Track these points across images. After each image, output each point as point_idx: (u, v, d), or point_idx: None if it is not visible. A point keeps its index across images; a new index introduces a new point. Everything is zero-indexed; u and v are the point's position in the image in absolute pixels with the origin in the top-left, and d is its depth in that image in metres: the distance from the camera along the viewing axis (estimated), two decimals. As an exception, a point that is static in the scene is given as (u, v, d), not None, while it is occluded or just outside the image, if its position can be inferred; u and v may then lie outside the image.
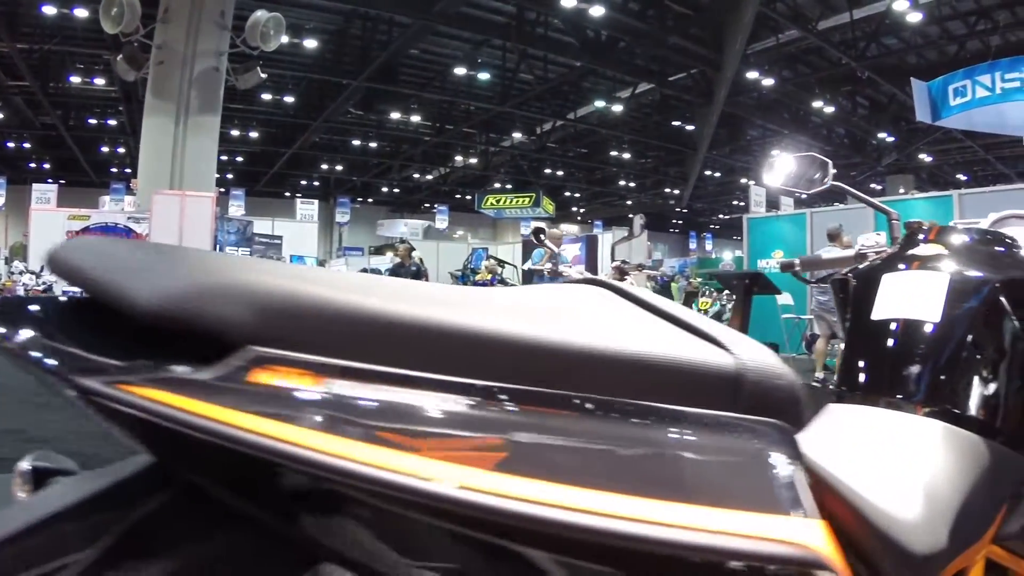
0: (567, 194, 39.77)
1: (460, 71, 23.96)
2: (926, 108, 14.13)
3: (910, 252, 1.68)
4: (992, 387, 1.48)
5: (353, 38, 21.51)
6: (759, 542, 0.59)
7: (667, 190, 37.79)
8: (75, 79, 22.82)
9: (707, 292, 17.86)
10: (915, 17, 18.31)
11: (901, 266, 1.65)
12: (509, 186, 35.24)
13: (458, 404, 0.55)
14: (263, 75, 13.50)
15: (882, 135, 27.06)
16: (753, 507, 0.61)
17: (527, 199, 29.47)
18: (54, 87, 22.87)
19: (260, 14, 12.40)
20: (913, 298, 1.56)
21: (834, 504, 0.77)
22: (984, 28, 18.97)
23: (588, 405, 0.60)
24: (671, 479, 0.60)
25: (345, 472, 0.49)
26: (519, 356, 0.59)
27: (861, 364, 1.64)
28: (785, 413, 0.71)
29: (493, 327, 0.58)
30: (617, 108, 26.17)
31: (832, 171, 2.02)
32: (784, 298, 11.46)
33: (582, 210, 42.66)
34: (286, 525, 0.58)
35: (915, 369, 1.51)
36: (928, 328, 1.52)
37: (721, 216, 44.17)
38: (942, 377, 1.49)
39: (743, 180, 14.65)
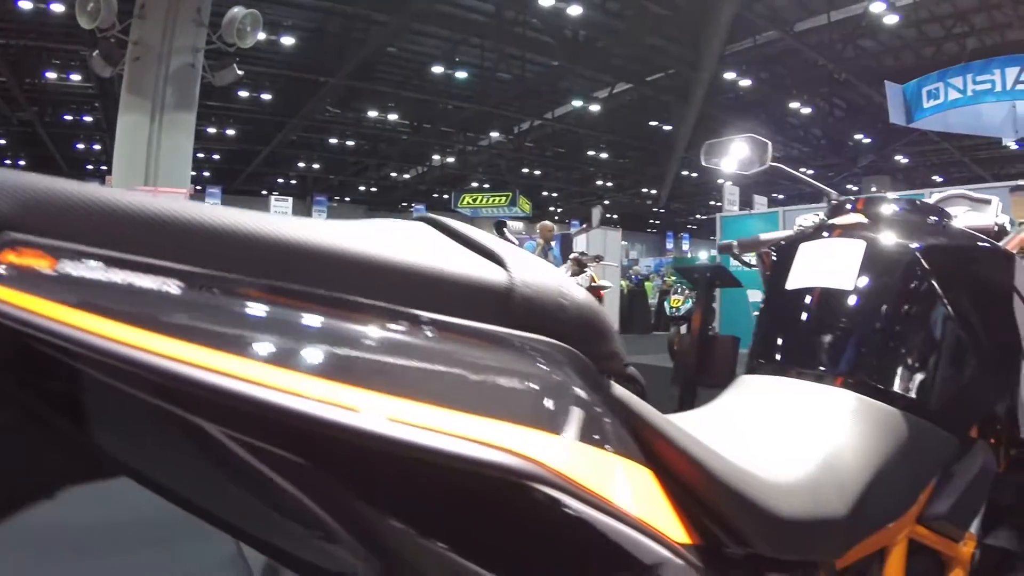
0: (544, 193, 39.78)
1: (438, 70, 23.89)
2: (900, 110, 14.25)
3: (832, 222, 1.61)
4: (918, 361, 1.40)
5: (331, 36, 21.41)
6: (469, 444, 0.55)
7: (644, 190, 37.88)
8: (51, 75, 22.61)
9: (679, 290, 17.94)
10: (892, 19, 18.43)
11: (821, 235, 1.56)
12: (487, 185, 35.21)
13: (217, 297, 0.52)
14: (240, 72, 13.39)
15: (859, 136, 27.23)
16: (485, 413, 0.57)
17: (503, 198, 29.40)
18: (30, 83, 22.69)
19: (237, 11, 12.30)
20: (828, 266, 1.47)
21: (664, 450, 0.74)
22: (961, 31, 19.11)
23: (352, 308, 0.57)
24: (408, 378, 0.56)
25: (82, 343, 0.48)
26: (279, 252, 0.56)
27: (775, 335, 1.55)
28: (571, 337, 0.67)
29: (264, 226, 0.56)
30: (595, 108, 26.20)
31: (771, 152, 1.98)
32: (754, 295, 11.48)
33: (559, 210, 42.69)
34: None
35: (831, 340, 1.43)
36: (843, 297, 1.44)
37: (698, 216, 44.25)
38: (860, 349, 1.40)
39: (719, 181, 14.71)
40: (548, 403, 0.63)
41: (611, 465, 0.67)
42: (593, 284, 8.46)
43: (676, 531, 0.73)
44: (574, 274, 7.71)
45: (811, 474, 1.02)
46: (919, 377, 1.38)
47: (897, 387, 1.36)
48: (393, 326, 0.57)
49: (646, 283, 24.60)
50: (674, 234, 45.42)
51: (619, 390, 0.73)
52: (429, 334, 0.59)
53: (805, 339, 1.47)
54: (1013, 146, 18.83)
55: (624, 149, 32.57)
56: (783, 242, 1.65)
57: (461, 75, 24.32)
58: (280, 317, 0.54)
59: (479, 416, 0.56)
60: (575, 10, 18.70)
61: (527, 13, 19.81)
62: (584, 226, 8.61)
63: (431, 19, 19.55)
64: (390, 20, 19.42)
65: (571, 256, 8.18)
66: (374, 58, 22.29)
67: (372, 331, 0.56)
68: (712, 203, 36.51)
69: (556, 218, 42.47)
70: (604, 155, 32.92)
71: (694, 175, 34.04)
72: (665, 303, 20.81)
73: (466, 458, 0.54)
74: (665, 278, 23.68)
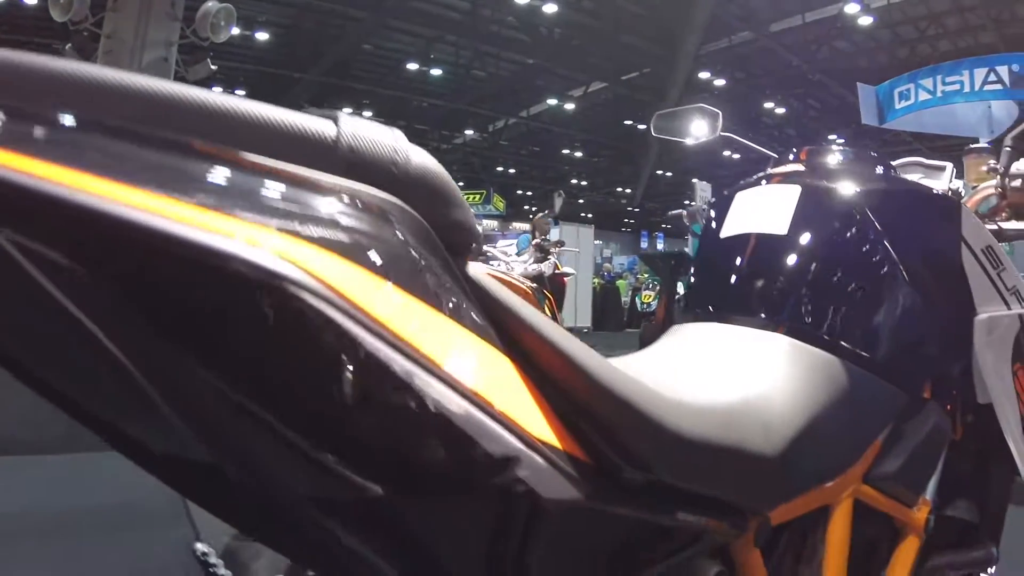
0: (519, 192, 39.76)
1: (413, 66, 23.83)
2: (872, 112, 14.32)
3: (771, 171, 1.52)
4: (860, 310, 1.31)
5: (306, 32, 21.32)
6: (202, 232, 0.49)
7: (619, 189, 37.92)
8: (21, 68, 22.36)
9: (651, 286, 18.01)
10: (866, 21, 18.54)
11: (759, 184, 1.48)
12: (461, 183, 35.10)
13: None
14: (213, 67, 13.29)
15: (833, 136, 27.35)
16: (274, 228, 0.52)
17: (478, 196, 29.33)
18: (0, 76, 22.45)
19: (210, 5, 12.21)
20: (762, 212, 1.40)
21: (533, 343, 0.69)
22: (934, 33, 19.25)
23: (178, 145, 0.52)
24: (180, 180, 0.51)
25: None
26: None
27: (708, 284, 1.49)
28: (408, 198, 0.62)
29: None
30: (570, 106, 26.24)
31: (721, 123, 1.96)
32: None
33: (534, 208, 42.67)
34: None
35: (764, 286, 1.35)
36: (777, 242, 1.36)
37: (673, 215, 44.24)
38: (797, 295, 1.31)
39: (693, 180, 14.72)
40: (361, 239, 0.57)
41: (447, 332, 0.61)
42: (557, 271, 8.42)
43: (544, 431, 0.68)
44: (537, 260, 7.64)
45: (730, 404, 0.95)
46: (862, 327, 1.29)
47: (838, 336, 1.27)
48: (193, 152, 0.53)
49: (619, 281, 24.66)
50: (648, 233, 45.39)
51: (476, 271, 0.68)
52: (233, 164, 0.54)
53: (739, 287, 1.39)
54: (984, 145, 18.96)
55: (599, 148, 32.62)
56: (724, 192, 1.56)
57: (436, 72, 24.27)
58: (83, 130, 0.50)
59: (269, 230, 0.52)
60: (550, 8, 18.70)
61: (503, 11, 19.80)
62: (546, 212, 8.53)
63: (407, 16, 19.50)
64: (365, 16, 19.37)
65: (533, 242, 8.13)
66: (349, 54, 22.22)
67: (172, 154, 0.52)
68: (687, 202, 36.58)
69: (530, 216, 42.53)
70: (579, 154, 32.94)
71: (668, 174, 34.12)
72: (637, 298, 20.91)
73: (223, 254, 0.49)
74: (638, 275, 23.75)
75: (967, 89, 12.99)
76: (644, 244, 43.72)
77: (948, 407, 1.42)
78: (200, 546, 0.98)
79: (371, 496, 0.57)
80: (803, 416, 1.05)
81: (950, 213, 1.43)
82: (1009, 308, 1.49)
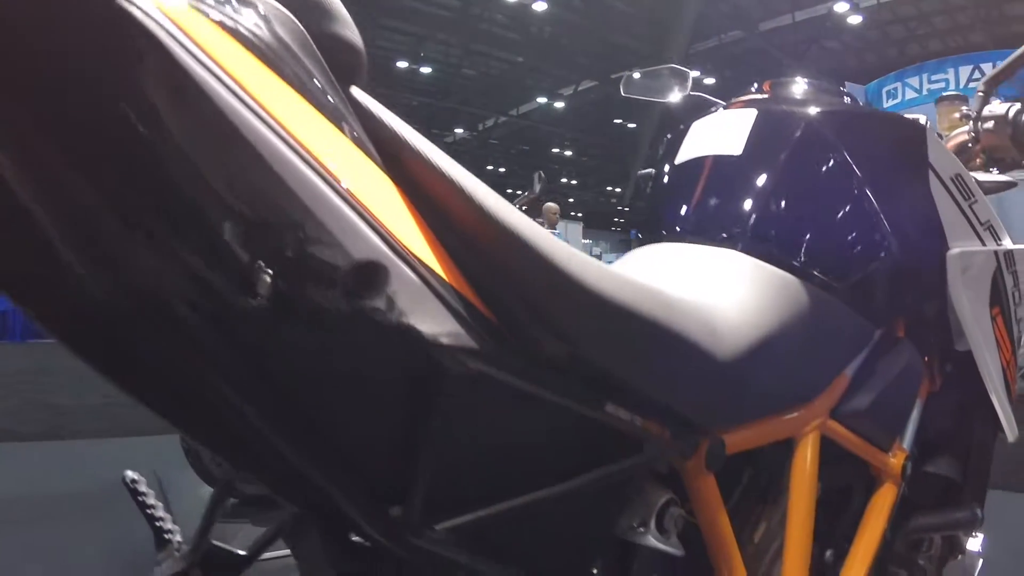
0: (509, 191, 39.72)
1: (403, 65, 23.78)
2: (860, 111, 14.37)
3: (732, 101, 1.46)
4: (822, 232, 1.25)
5: (295, 29, 21.27)
6: None
7: (609, 188, 37.93)
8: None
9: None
10: (856, 20, 18.56)
11: (715, 112, 1.42)
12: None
13: None
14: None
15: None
16: None
17: (469, 195, 29.30)
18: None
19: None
20: (717, 136, 1.34)
21: (423, 174, 0.62)
22: (923, 33, 19.29)
23: None
24: None
25: None
26: None
27: (662, 209, 1.42)
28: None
29: None
30: (560, 105, 26.22)
31: (691, 82, 1.88)
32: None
33: (524, 207, 42.59)
34: None
35: (718, 206, 1.30)
36: (732, 163, 1.30)
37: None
38: (753, 216, 1.24)
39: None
40: (229, 14, 0.52)
41: (320, 126, 0.55)
42: None
43: (426, 254, 0.60)
44: None
45: (674, 295, 0.86)
46: (826, 251, 1.23)
47: (801, 259, 1.20)
48: None
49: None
50: (637, 232, 45.51)
51: (363, 95, 0.63)
52: None
53: (695, 209, 1.32)
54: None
55: (589, 147, 32.62)
56: (681, 127, 1.48)
57: (426, 71, 24.25)
58: None
59: None
60: (540, 6, 18.69)
61: (493, 9, 19.79)
62: (527, 193, 8.53)
63: (397, 13, 19.45)
64: (356, 14, 19.24)
65: None
66: (338, 52, 22.17)
67: None
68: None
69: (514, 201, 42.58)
70: (569, 152, 32.96)
71: (659, 173, 34.09)
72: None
73: None
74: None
75: (952, 87, 13.02)
76: (634, 243, 43.82)
77: (923, 350, 1.36)
78: (130, 473, 0.93)
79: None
80: (758, 330, 0.98)
81: (915, 137, 1.35)
82: (983, 244, 1.41)
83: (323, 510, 0.63)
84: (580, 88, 25.10)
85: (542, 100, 25.97)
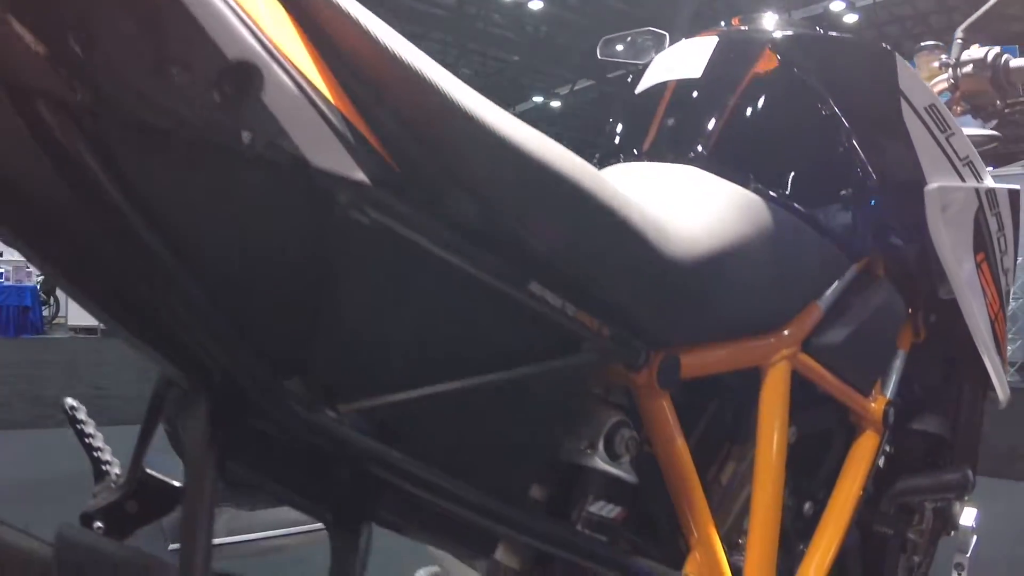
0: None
1: (399, 64, 23.81)
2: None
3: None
4: (790, 155, 1.20)
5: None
6: None
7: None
8: None
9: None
10: (852, 18, 18.59)
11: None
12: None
13: None
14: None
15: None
16: None
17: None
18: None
19: None
20: (677, 63, 1.30)
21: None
22: (919, 32, 19.30)
23: None
24: None
25: None
26: None
27: (626, 133, 1.40)
28: None
29: None
30: (556, 104, 26.21)
31: (668, 43, 1.83)
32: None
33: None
34: None
35: (678, 127, 1.25)
36: (691, 86, 1.25)
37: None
38: (720, 137, 1.19)
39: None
40: None
41: None
42: None
43: (311, 71, 0.55)
44: None
45: (613, 183, 0.78)
46: (796, 175, 1.17)
47: (769, 182, 1.14)
48: None
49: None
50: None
51: None
52: None
53: (659, 131, 1.28)
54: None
55: (585, 146, 32.61)
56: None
57: (422, 69, 24.29)
58: None
59: None
60: (536, 5, 18.71)
61: (488, 8, 19.80)
62: None
63: (392, 12, 19.45)
64: (351, 12, 19.36)
65: None
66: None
67: None
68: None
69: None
70: (565, 152, 33.04)
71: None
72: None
73: None
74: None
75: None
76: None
77: (905, 295, 1.31)
78: (69, 400, 0.91)
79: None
80: (716, 240, 0.92)
81: (884, 63, 1.28)
82: (963, 181, 1.35)
83: (212, 380, 0.58)
84: (576, 87, 25.11)
85: (538, 99, 25.99)
